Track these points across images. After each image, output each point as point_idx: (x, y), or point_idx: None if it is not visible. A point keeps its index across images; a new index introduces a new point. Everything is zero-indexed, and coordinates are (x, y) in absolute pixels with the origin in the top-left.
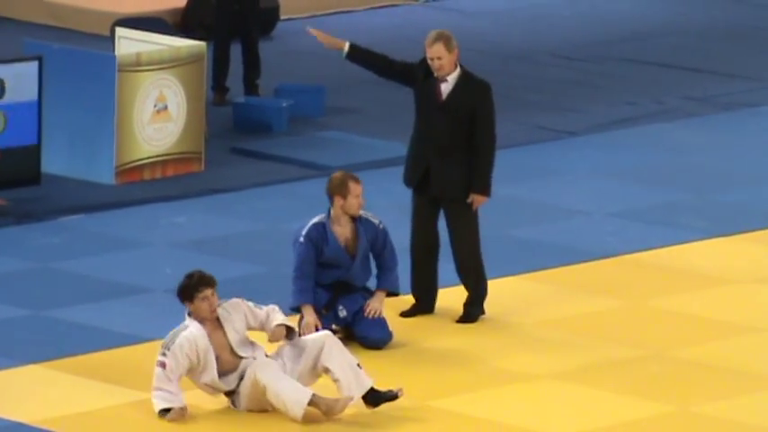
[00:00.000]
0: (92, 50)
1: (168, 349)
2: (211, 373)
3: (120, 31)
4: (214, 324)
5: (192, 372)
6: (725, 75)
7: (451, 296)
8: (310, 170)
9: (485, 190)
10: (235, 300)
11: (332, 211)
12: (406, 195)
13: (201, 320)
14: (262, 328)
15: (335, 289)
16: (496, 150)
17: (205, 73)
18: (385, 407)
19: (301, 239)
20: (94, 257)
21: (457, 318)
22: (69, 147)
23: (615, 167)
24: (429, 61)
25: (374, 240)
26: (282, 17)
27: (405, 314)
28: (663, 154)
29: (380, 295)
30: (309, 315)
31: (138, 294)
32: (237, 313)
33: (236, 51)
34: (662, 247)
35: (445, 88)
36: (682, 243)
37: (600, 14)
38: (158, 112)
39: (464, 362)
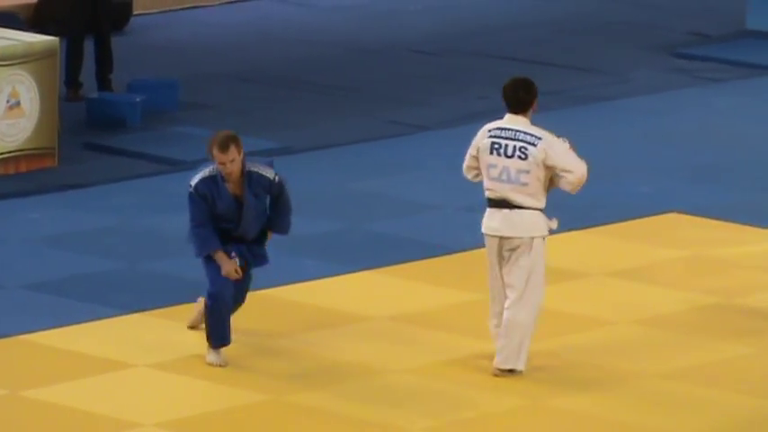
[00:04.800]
0: None
1: None
2: None
3: None
4: None
5: None
6: (578, 68)
7: (307, 291)
8: (164, 165)
9: None
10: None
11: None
12: None
13: None
14: None
15: (227, 237)
16: (347, 145)
17: (58, 68)
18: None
19: (191, 191)
20: None
21: None
22: None
23: None
24: None
25: (269, 191)
26: (135, 12)
27: None
28: None
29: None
30: (226, 263)
31: None
32: None
33: (88, 47)
34: None
35: None
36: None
37: (451, 8)
38: (11, 107)
39: (309, 357)
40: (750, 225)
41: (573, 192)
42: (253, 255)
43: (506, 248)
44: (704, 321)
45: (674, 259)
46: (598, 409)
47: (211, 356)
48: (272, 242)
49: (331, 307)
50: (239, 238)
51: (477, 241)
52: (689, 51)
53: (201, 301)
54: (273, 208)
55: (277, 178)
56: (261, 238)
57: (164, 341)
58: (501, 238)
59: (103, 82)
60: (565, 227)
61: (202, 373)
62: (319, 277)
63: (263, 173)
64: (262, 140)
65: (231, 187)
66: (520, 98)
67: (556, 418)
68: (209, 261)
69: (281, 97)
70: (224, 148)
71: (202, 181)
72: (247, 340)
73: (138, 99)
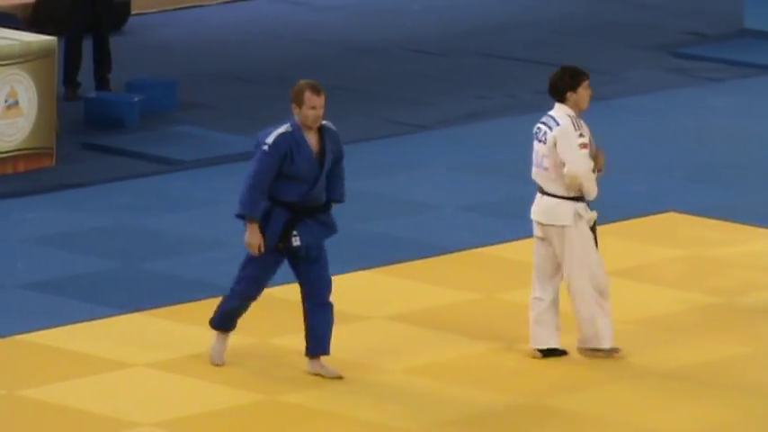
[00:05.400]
0: None
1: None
2: None
3: None
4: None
5: None
6: None
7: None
8: (162, 165)
9: None
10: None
11: (294, 121)
12: None
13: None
14: None
15: (294, 211)
16: (346, 145)
17: (56, 68)
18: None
19: (266, 148)
20: None
21: None
22: None
23: (467, 161)
24: None
25: (338, 150)
26: (134, 12)
27: None
28: (514, 148)
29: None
30: (254, 234)
31: None
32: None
33: (87, 46)
34: (514, 240)
35: None
36: (533, 236)
37: (449, 8)
38: (9, 107)
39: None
40: (748, 224)
41: (569, 188)
42: (322, 224)
43: (544, 234)
44: (703, 321)
45: (672, 259)
46: (597, 409)
47: (214, 349)
48: None
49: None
50: (308, 209)
51: (476, 241)
52: (686, 51)
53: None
54: (331, 172)
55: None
56: (327, 205)
57: (162, 341)
58: (535, 222)
59: (102, 81)
60: None
61: (200, 372)
62: None
63: (333, 127)
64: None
65: (310, 141)
66: (553, 85)
67: (553, 418)
68: (251, 257)
69: (280, 97)
70: (318, 90)
71: (282, 136)
72: (245, 340)
73: (136, 99)
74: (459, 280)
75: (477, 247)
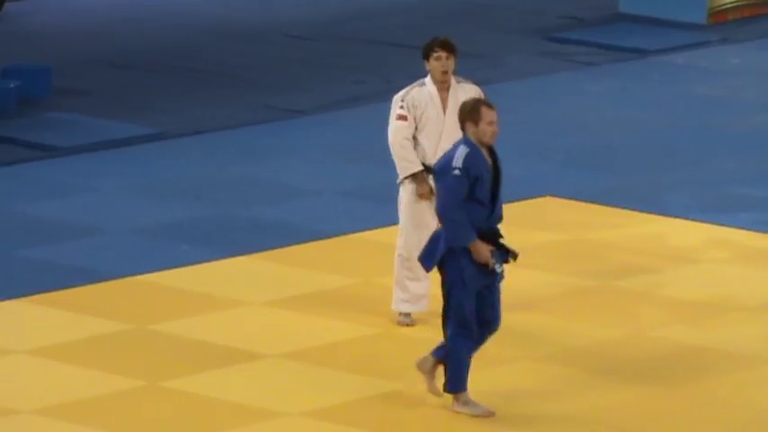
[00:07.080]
0: None
1: (402, 100)
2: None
3: None
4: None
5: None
6: None
7: (182, 277)
8: (38, 151)
9: None
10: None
11: (470, 141)
12: (136, 177)
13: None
14: None
15: (486, 239)
16: (222, 131)
17: None
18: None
19: (456, 172)
20: None
21: None
22: None
23: (344, 146)
24: None
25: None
26: None
27: None
28: None
29: None
30: (482, 250)
31: None
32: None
33: None
34: (391, 225)
35: None
36: None
37: None
38: None
39: (186, 343)
40: (624, 208)
41: None
42: (506, 251)
43: None
44: (580, 305)
45: (549, 243)
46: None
47: (458, 406)
48: (148, 227)
49: (207, 292)
50: (494, 232)
51: (354, 226)
52: (562, 35)
53: (428, 359)
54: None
55: None
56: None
57: (41, 327)
58: None
59: None
60: None
61: (80, 359)
62: (195, 263)
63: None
64: (136, 126)
65: (487, 160)
66: None
67: (423, 402)
68: (458, 295)
69: (155, 83)
70: (491, 105)
71: (470, 157)
72: (124, 326)
73: (12, 85)
74: (336, 265)
75: (354, 232)
